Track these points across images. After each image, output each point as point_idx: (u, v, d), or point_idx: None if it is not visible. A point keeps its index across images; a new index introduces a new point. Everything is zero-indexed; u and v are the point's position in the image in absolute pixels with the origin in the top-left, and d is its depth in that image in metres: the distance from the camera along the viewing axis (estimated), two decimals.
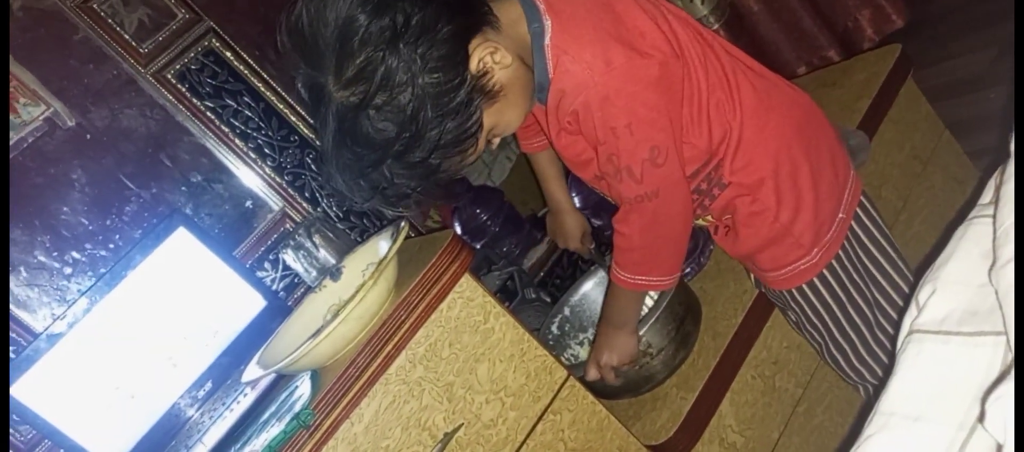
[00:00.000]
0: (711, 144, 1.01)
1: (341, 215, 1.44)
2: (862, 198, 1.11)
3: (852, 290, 1.09)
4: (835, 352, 1.15)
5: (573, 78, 0.91)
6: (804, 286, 1.08)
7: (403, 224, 1.05)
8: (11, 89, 1.21)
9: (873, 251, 1.12)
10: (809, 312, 1.12)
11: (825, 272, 1.07)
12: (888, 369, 1.08)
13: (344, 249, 1.25)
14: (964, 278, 0.69)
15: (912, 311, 0.71)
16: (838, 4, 2.13)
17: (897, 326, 1.11)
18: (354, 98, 0.82)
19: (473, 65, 0.87)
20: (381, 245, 1.11)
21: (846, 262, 1.08)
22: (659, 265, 1.03)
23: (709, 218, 1.11)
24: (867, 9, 2.11)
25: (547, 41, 0.92)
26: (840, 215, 1.06)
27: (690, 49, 0.97)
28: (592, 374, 1.13)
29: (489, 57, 0.88)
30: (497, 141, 0.98)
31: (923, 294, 0.71)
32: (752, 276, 1.18)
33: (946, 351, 0.65)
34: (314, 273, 1.26)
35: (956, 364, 0.64)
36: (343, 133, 0.84)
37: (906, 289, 1.14)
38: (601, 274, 1.38)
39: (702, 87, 0.97)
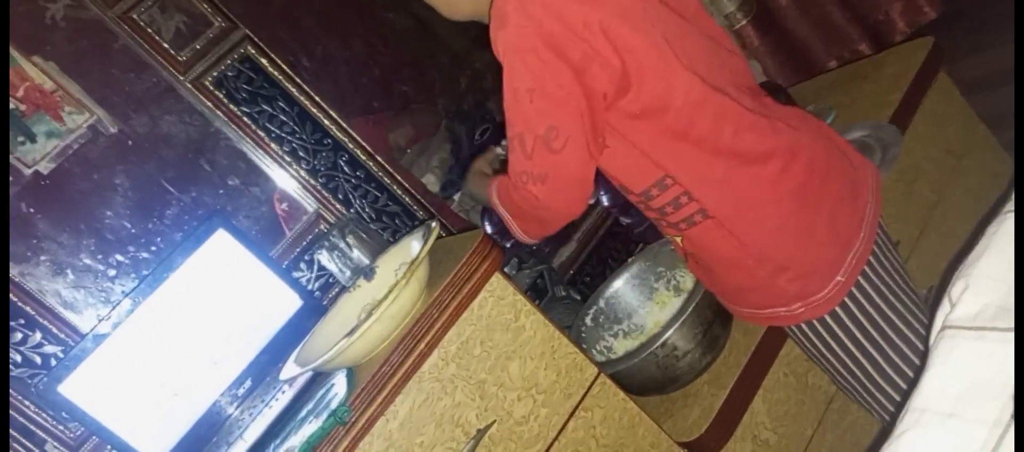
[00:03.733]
0: (680, 171, 0.94)
1: (374, 216, 1.46)
2: (875, 245, 1.00)
3: (847, 341, 1.02)
4: (837, 379, 1.10)
5: (498, 11, 0.87)
6: (785, 328, 1.04)
7: (434, 225, 1.07)
8: (57, 98, 1.26)
9: (882, 305, 1.02)
10: (798, 346, 1.09)
11: (815, 323, 1.01)
12: (900, 399, 1.03)
13: (377, 249, 1.27)
14: (998, 274, 0.68)
15: (945, 306, 0.70)
16: None
17: (905, 375, 1.03)
18: None
19: None
20: (413, 245, 1.13)
21: (843, 318, 1.01)
22: (525, 229, 1.04)
23: (679, 240, 1.04)
24: (899, 1, 2.07)
25: None
26: (838, 278, 0.97)
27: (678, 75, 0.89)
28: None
29: None
30: None
31: (956, 290, 0.70)
32: None
33: (980, 347, 0.65)
34: (348, 273, 1.28)
35: (990, 361, 0.63)
36: None
37: (920, 344, 1.03)
38: (632, 270, 1.39)
39: (683, 116, 0.91)
